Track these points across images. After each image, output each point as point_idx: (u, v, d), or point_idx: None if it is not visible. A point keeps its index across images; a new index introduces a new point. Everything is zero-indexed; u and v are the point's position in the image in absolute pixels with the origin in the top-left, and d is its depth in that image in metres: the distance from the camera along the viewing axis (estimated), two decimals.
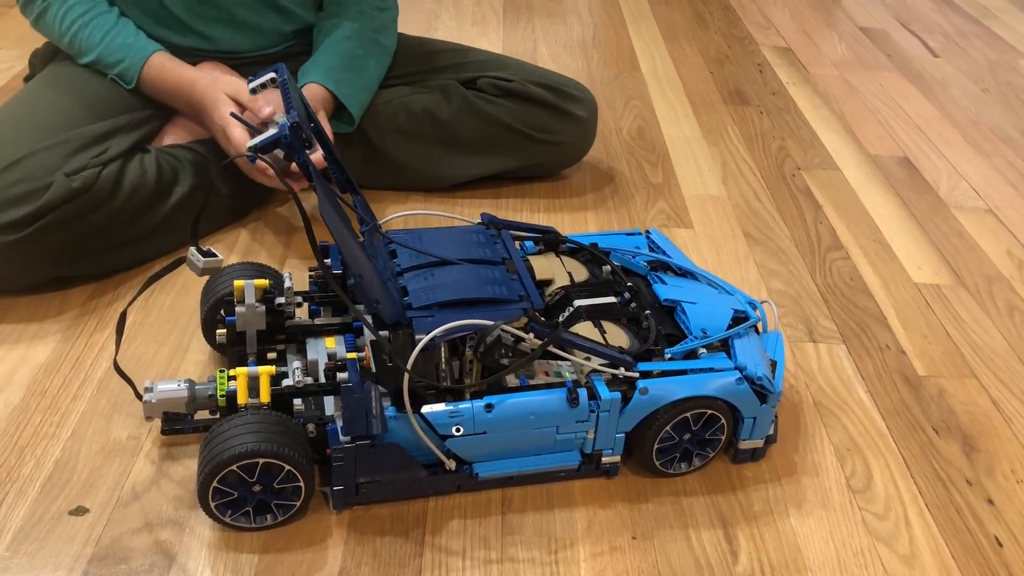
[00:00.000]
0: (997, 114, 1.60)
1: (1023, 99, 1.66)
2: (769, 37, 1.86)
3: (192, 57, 1.10)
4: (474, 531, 0.76)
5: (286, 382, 0.78)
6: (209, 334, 0.89)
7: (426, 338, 0.72)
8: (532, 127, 1.20)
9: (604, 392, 0.76)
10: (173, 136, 1.11)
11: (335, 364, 0.79)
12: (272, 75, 0.80)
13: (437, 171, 1.22)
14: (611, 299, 0.85)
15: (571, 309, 0.84)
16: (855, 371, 0.98)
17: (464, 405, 0.74)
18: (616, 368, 0.77)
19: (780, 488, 0.83)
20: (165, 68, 1.06)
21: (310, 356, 0.82)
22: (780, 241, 1.19)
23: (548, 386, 0.77)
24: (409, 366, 0.71)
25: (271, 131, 0.74)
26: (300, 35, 1.18)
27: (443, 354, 0.74)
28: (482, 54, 1.25)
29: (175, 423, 0.77)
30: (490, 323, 0.74)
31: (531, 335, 0.75)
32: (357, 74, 1.13)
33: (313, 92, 1.08)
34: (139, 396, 0.77)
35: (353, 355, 0.76)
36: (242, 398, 0.75)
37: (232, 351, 0.83)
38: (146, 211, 1.01)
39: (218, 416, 0.77)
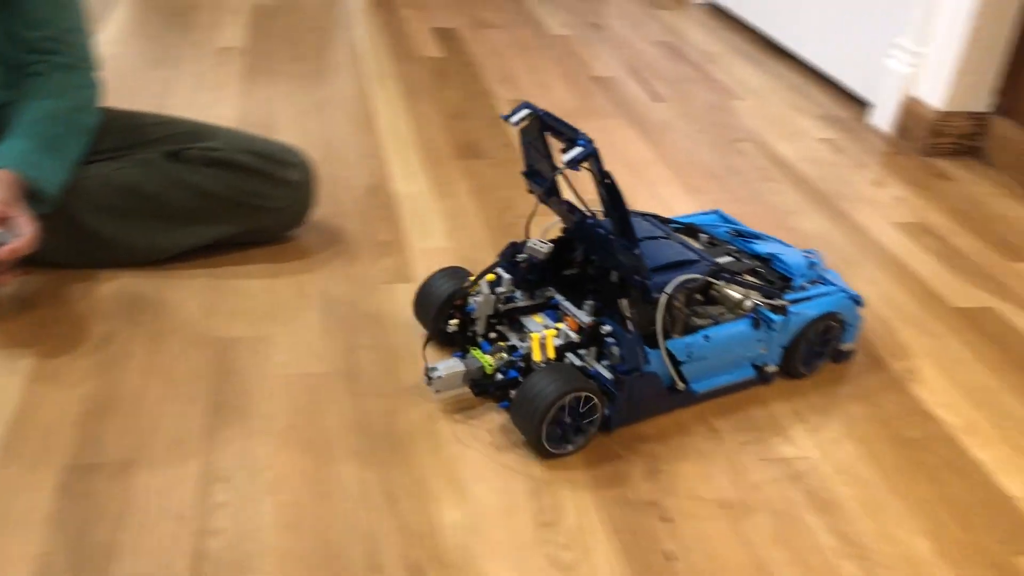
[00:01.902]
0: (709, 154, 1.75)
1: (730, 138, 1.83)
2: (506, 90, 1.95)
3: None
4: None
5: (557, 342, 1.00)
6: (440, 325, 1.07)
7: (671, 285, 0.99)
8: (244, 194, 1.20)
9: (773, 316, 1.05)
10: None
11: (596, 322, 0.99)
12: None
13: (151, 244, 1.20)
14: (730, 258, 1.15)
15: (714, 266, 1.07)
16: None
17: (691, 338, 1.01)
18: (774, 299, 1.06)
19: (475, 534, 0.86)
20: None
21: (533, 329, 1.04)
22: None
23: (734, 319, 1.04)
24: (660, 310, 0.98)
25: None
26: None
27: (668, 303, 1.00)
28: (190, 124, 1.24)
29: (480, 387, 1.00)
30: (698, 275, 1.03)
31: (723, 283, 1.05)
32: (54, 155, 1.10)
33: (3, 177, 1.05)
34: (429, 379, 0.98)
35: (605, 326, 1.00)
36: (537, 356, 0.98)
37: (462, 336, 1.06)
38: None
39: (502, 379, 1.00)
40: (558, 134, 0.95)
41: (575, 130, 0.93)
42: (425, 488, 0.91)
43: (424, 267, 1.27)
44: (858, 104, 2.08)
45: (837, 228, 1.51)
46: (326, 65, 1.98)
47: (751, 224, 1.45)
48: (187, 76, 1.86)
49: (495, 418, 1.01)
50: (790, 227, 1.49)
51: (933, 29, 1.83)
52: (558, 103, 1.90)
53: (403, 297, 1.21)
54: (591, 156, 0.90)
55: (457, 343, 1.07)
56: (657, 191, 1.57)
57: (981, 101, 1.82)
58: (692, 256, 1.06)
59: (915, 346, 1.22)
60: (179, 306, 1.15)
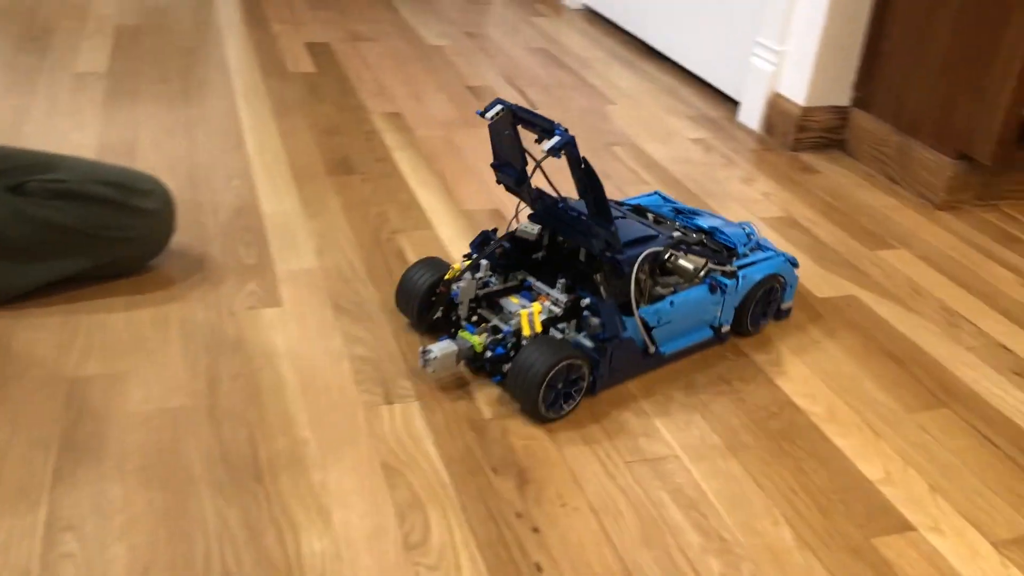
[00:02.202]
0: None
1: (604, 142, 1.85)
2: (381, 104, 1.93)
3: None
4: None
5: (542, 317, 1.08)
6: (423, 311, 1.15)
7: (639, 258, 1.09)
8: (96, 226, 1.15)
9: (726, 281, 1.17)
10: None
11: (577, 298, 1.09)
12: None
13: None
14: (678, 233, 1.23)
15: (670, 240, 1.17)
16: (426, 426, 1.02)
17: (659, 305, 1.12)
18: (725, 266, 1.18)
19: (340, 561, 0.84)
20: None
21: (511, 309, 1.12)
22: (369, 308, 1.23)
23: (691, 287, 1.15)
24: (633, 281, 1.08)
25: None
26: None
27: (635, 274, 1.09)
28: (32, 155, 1.19)
29: (475, 362, 1.09)
30: (661, 248, 1.12)
31: (681, 254, 1.13)
32: None
33: None
34: (425, 361, 1.04)
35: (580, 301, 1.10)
36: (527, 331, 1.06)
37: (445, 321, 1.14)
38: None
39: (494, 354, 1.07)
40: (532, 126, 1.03)
41: (550, 121, 1.01)
42: (289, 518, 0.89)
43: (291, 290, 1.25)
44: (729, 103, 2.14)
45: None
46: (193, 85, 1.93)
47: None
48: (43, 102, 1.78)
49: (363, 441, 0.99)
50: None
51: (791, 27, 1.89)
52: (434, 114, 1.90)
53: (269, 322, 1.18)
54: (568, 144, 0.99)
55: (441, 328, 1.16)
56: None
57: (842, 95, 1.90)
58: (652, 232, 1.16)
59: (779, 337, 1.25)
60: (30, 347, 1.10)
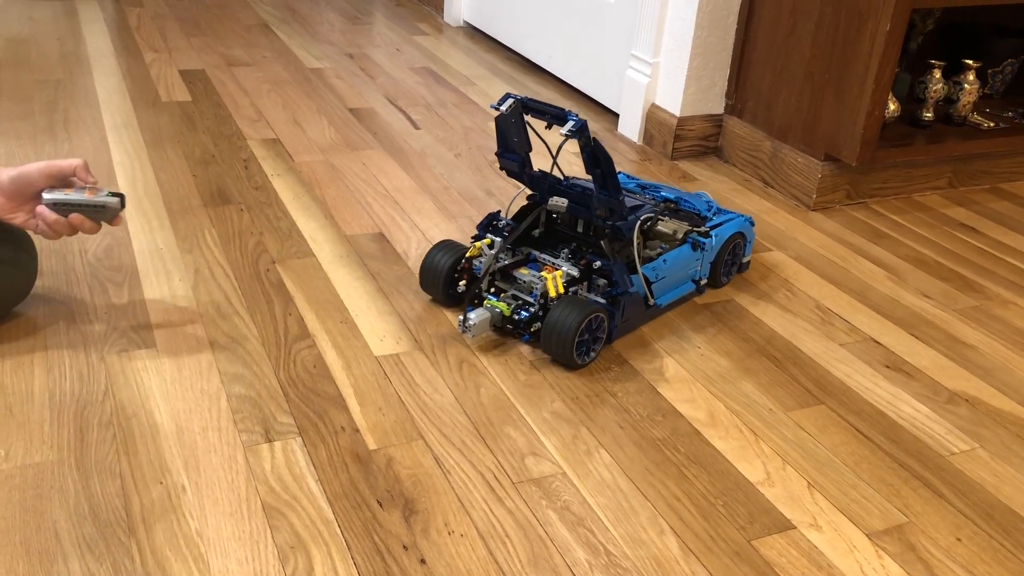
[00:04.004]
0: (466, 177, 1.77)
1: (488, 160, 1.85)
2: (259, 130, 1.89)
3: None
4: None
5: (563, 280, 1.24)
6: (447, 288, 1.29)
7: (637, 222, 1.26)
8: None
9: (704, 240, 1.35)
10: None
11: (589, 261, 1.24)
12: None
13: None
14: (652, 203, 1.42)
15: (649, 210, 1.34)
16: (307, 462, 1.00)
17: (655, 263, 1.29)
18: (699, 227, 1.37)
19: None
20: None
21: (524, 280, 1.26)
22: (247, 343, 1.20)
23: (676, 247, 1.33)
24: (636, 243, 1.26)
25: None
26: None
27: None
28: None
29: (506, 324, 1.24)
30: (653, 214, 1.32)
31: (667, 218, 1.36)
32: None
33: None
34: (464, 328, 1.19)
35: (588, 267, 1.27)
36: (552, 292, 1.21)
37: (468, 292, 1.27)
38: None
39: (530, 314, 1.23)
40: (542, 115, 1.19)
41: (560, 108, 1.17)
42: (164, 572, 0.85)
43: (164, 330, 1.21)
44: (610, 115, 2.18)
45: None
46: (59, 120, 1.85)
47: None
48: None
49: (242, 483, 0.96)
50: None
51: (663, 40, 1.93)
52: (314, 138, 1.87)
53: (142, 364, 1.13)
54: (582, 126, 1.14)
55: (463, 302, 1.29)
56: (415, 220, 1.57)
57: (715, 104, 1.95)
58: (640, 202, 1.37)
59: (662, 347, 1.27)
60: None
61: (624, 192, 1.44)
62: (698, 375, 1.21)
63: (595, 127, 2.09)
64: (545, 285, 1.22)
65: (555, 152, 1.31)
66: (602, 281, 1.24)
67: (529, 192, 1.34)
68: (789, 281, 1.48)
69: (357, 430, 1.05)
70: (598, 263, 1.24)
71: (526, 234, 1.34)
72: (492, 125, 2.04)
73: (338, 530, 0.91)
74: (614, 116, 2.16)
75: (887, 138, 1.77)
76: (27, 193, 1.12)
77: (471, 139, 1.95)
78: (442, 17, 2.89)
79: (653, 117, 1.98)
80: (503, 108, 1.20)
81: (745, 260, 1.47)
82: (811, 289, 1.46)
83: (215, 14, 2.73)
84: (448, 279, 1.29)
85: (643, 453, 1.06)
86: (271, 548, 0.89)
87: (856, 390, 1.21)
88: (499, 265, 1.28)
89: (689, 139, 1.94)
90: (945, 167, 1.87)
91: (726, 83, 1.93)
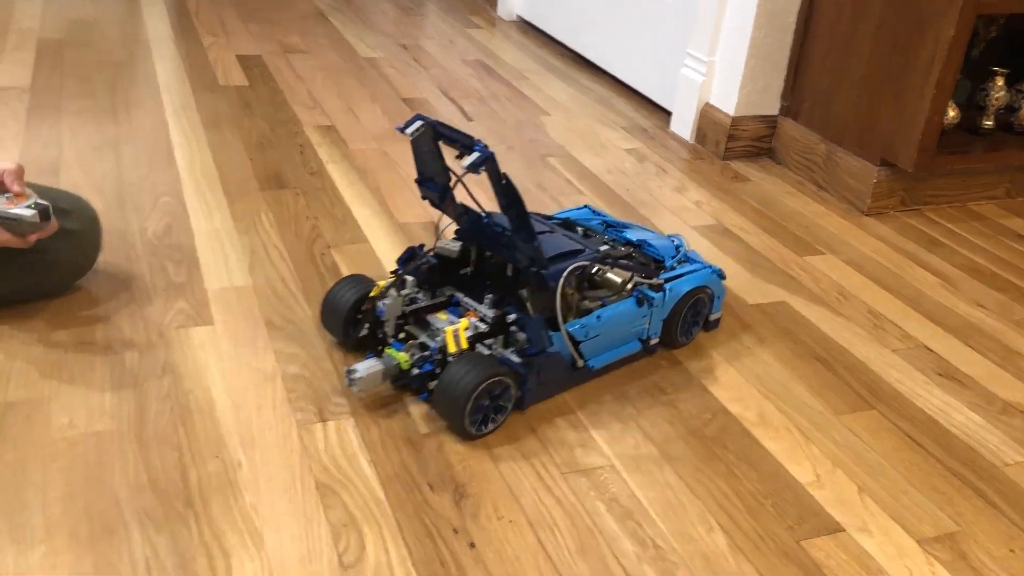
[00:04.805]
0: (517, 170, 1.77)
1: (539, 154, 1.86)
2: (314, 117, 1.92)
3: None
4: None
5: (468, 333, 1.06)
6: (349, 329, 1.14)
7: (564, 272, 1.08)
8: (18, 250, 1.12)
9: (653, 294, 1.17)
10: None
11: (503, 313, 1.08)
12: None
13: None
14: (607, 247, 1.24)
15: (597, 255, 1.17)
16: (360, 443, 1.01)
17: (586, 319, 1.11)
18: (652, 279, 1.18)
19: None
20: None
21: (439, 325, 1.09)
22: (302, 324, 1.22)
23: (619, 300, 1.15)
24: (559, 296, 1.08)
25: None
26: None
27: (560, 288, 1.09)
28: None
29: (399, 380, 1.08)
30: (587, 263, 1.12)
31: (607, 267, 1.14)
32: None
33: None
34: (350, 380, 1.03)
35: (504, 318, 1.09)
36: (452, 348, 1.05)
37: (372, 339, 1.12)
38: None
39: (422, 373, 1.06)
40: (452, 142, 1.03)
41: (470, 137, 1.00)
42: (220, 544, 0.87)
43: (221, 308, 1.23)
44: (662, 113, 2.17)
45: None
46: (120, 101, 1.89)
47: None
48: None
49: (296, 460, 0.98)
50: None
51: (720, 39, 1.92)
52: (368, 127, 1.89)
53: (199, 341, 1.16)
54: (488, 160, 0.98)
55: (368, 346, 1.13)
56: None
57: (770, 105, 1.93)
58: (578, 246, 1.16)
59: (712, 345, 1.27)
60: None
61: (585, 230, 1.31)
62: (748, 375, 1.21)
63: (647, 125, 2.09)
64: (444, 339, 1.07)
65: (456, 182, 1.10)
66: (523, 335, 1.07)
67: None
68: (841, 285, 1.47)
69: (409, 414, 1.07)
70: (513, 315, 1.08)
71: (454, 273, 1.19)
72: (545, 120, 2.05)
73: (389, 510, 0.93)
74: (666, 114, 2.15)
75: (945, 145, 1.74)
76: None
77: (523, 132, 1.96)
78: (495, 11, 2.90)
79: (706, 116, 1.97)
80: (409, 132, 1.05)
81: (713, 318, 1.28)
82: (863, 294, 1.45)
83: (272, 1, 2.76)
84: (349, 319, 1.13)
85: (692, 450, 1.06)
86: (324, 525, 0.90)
87: (908, 396, 1.20)
88: (413, 308, 1.12)
89: (742, 139, 1.93)
90: (1003, 176, 1.84)
91: (782, 84, 1.92)
